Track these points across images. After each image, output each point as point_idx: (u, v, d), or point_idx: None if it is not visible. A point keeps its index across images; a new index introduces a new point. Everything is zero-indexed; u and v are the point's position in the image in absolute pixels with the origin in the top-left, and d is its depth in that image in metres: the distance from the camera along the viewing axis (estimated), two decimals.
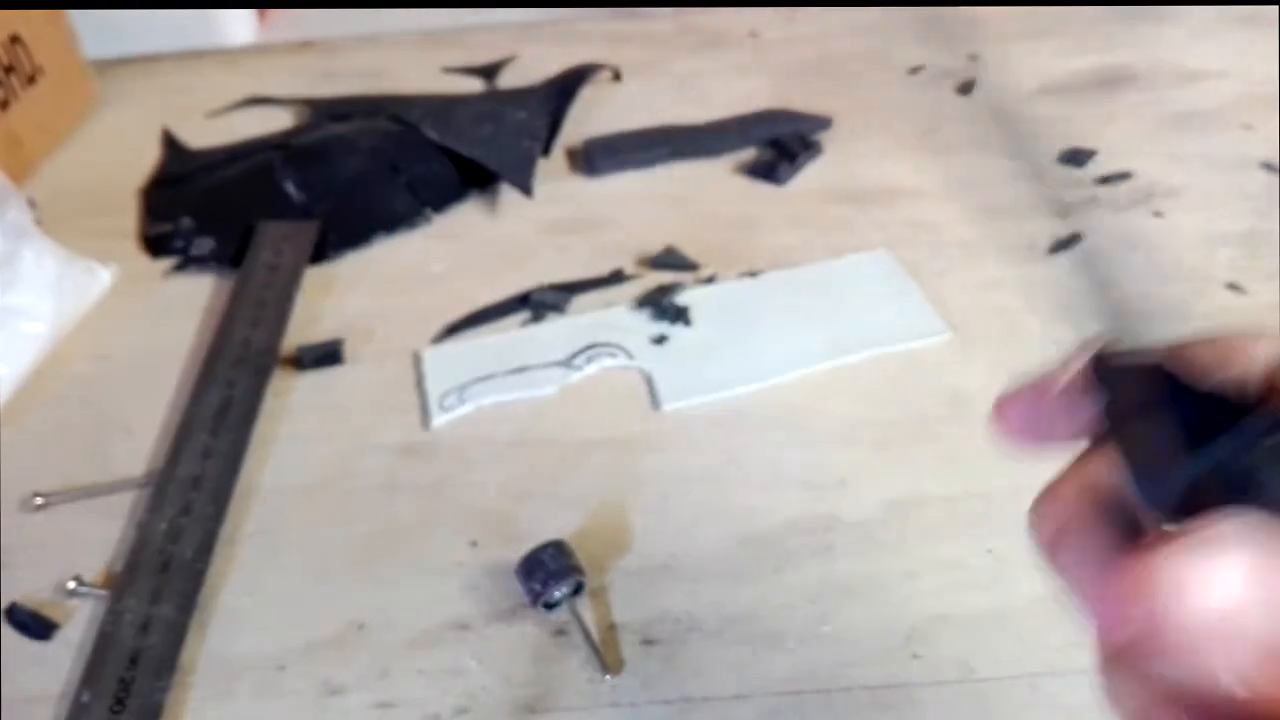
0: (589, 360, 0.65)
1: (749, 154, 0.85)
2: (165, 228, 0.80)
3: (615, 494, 0.57)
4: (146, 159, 0.90)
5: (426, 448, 0.61)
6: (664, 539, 0.54)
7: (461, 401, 0.63)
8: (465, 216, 0.81)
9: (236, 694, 0.49)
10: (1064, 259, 0.71)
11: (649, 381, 0.64)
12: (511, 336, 0.68)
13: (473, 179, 0.83)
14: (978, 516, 0.54)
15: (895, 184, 0.80)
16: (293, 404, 0.64)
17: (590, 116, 0.92)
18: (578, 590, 0.51)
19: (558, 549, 0.51)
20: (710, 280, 0.72)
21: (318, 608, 0.52)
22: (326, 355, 0.67)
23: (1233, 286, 0.67)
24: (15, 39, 0.88)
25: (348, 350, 0.68)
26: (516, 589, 0.51)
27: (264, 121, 0.94)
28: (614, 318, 0.69)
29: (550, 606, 0.50)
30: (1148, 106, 0.88)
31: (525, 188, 0.81)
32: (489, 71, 1.01)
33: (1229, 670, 0.19)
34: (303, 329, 0.70)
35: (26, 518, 0.58)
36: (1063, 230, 0.73)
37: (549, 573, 0.50)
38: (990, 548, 0.52)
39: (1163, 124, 0.85)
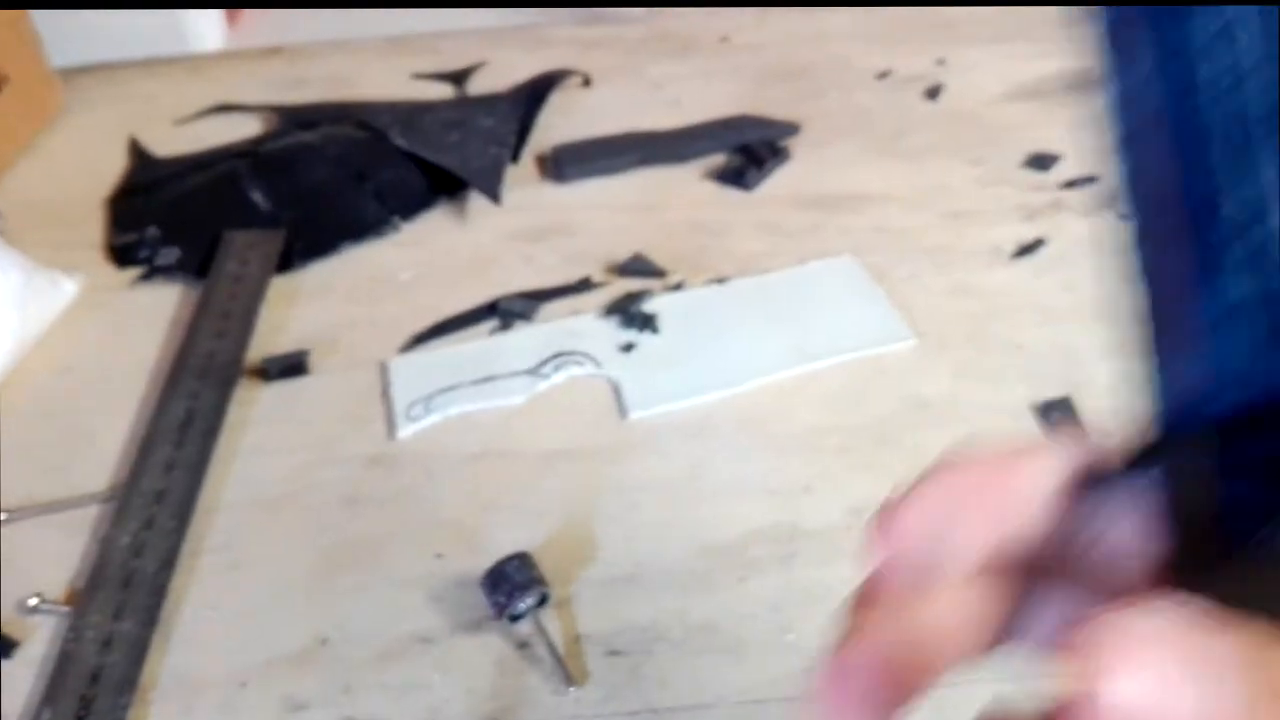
0: (556, 369, 0.65)
1: (718, 160, 0.85)
2: (131, 237, 0.79)
3: (581, 504, 0.57)
4: (113, 168, 0.89)
5: (392, 459, 0.60)
6: (629, 549, 0.54)
7: (428, 411, 0.63)
8: (433, 224, 0.81)
9: (198, 711, 0.49)
10: (1029, 263, 0.71)
11: (616, 390, 0.64)
12: (479, 345, 0.68)
13: (441, 186, 0.83)
14: None
15: (862, 190, 0.80)
16: (257, 415, 0.64)
17: (559, 123, 0.91)
18: (542, 602, 0.51)
19: (522, 561, 0.51)
20: (678, 287, 0.72)
21: (280, 623, 0.52)
22: (292, 366, 0.67)
23: None
24: None
25: (313, 360, 0.67)
26: (481, 601, 0.51)
27: (232, 129, 0.94)
28: (582, 325, 0.69)
29: (515, 619, 0.50)
30: None
31: (494, 195, 0.81)
32: (458, 78, 1.00)
33: None
34: (268, 339, 0.70)
35: None
36: (1028, 235, 0.73)
37: (514, 585, 0.50)
38: None
39: None
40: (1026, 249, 0.72)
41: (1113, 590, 0.22)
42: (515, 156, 0.87)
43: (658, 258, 0.74)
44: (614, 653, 0.50)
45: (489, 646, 0.50)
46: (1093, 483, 0.23)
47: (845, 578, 0.51)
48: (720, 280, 0.72)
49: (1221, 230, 0.25)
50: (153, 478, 0.58)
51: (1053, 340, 0.64)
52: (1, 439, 0.64)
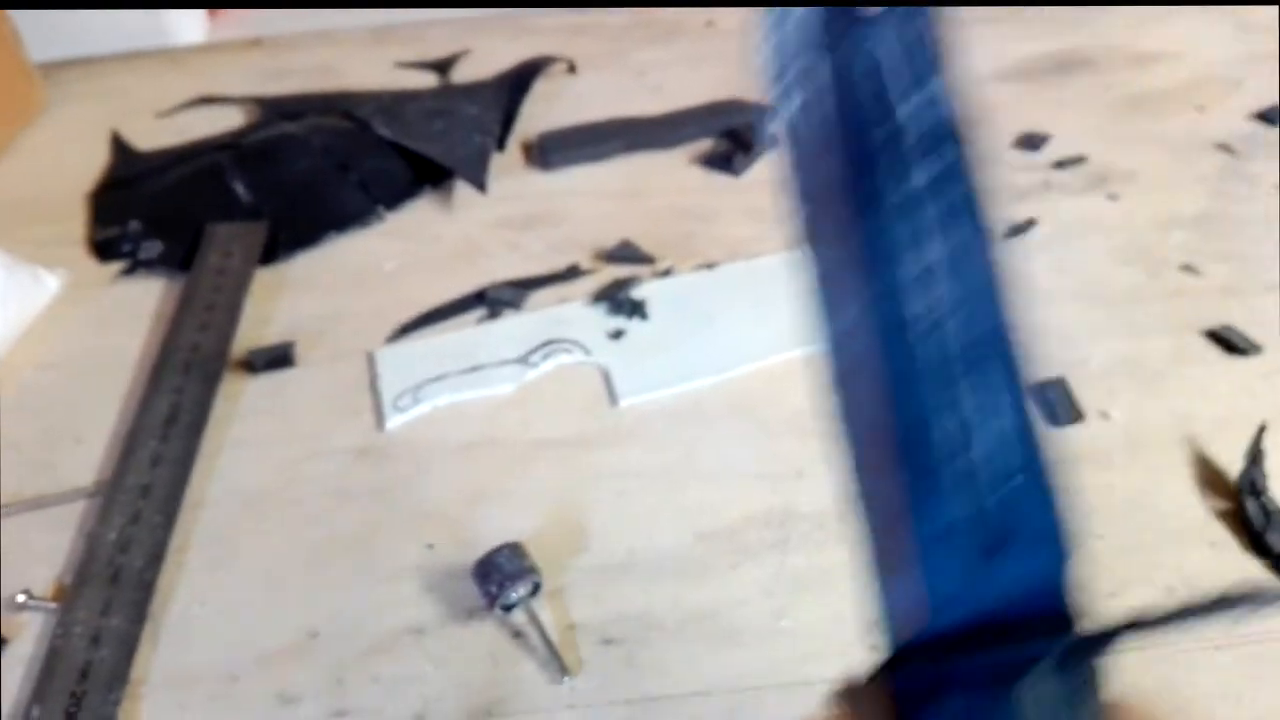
0: (545, 357, 0.65)
1: (705, 145, 0.85)
2: (113, 232, 0.79)
3: (572, 492, 0.57)
4: (95, 162, 0.88)
5: (380, 450, 0.60)
6: (621, 537, 0.54)
7: (416, 402, 0.62)
8: (418, 214, 0.80)
9: (190, 706, 0.48)
10: (1018, 244, 0.71)
11: (606, 377, 0.63)
12: (467, 335, 0.68)
13: (425, 175, 0.82)
14: None
15: None
16: (244, 408, 0.63)
17: (545, 110, 0.91)
18: (535, 591, 0.50)
19: (514, 550, 0.51)
20: (667, 273, 0.71)
21: (271, 616, 0.51)
22: (277, 358, 0.66)
23: (1187, 268, 0.67)
24: None
25: (299, 352, 0.67)
26: (473, 592, 0.51)
27: (214, 121, 0.93)
28: (570, 313, 0.68)
29: (507, 609, 0.50)
30: (1101, 90, 0.88)
31: (479, 183, 0.80)
32: (442, 66, 1.00)
33: None
34: (253, 331, 0.69)
35: None
36: (1017, 215, 0.73)
37: (505, 575, 0.50)
38: None
39: (1116, 107, 0.85)
40: (1017, 230, 0.72)
41: None
42: (500, 145, 0.86)
43: (646, 244, 0.73)
44: (608, 641, 0.49)
45: (482, 637, 0.50)
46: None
47: (839, 562, 0.51)
48: (709, 266, 0.71)
49: (931, 456, 0.28)
50: (138, 473, 0.58)
51: (1044, 321, 0.64)
52: None
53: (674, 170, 0.82)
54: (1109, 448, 0.56)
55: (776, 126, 0.29)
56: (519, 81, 0.93)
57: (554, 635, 0.49)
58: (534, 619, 0.50)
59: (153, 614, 0.52)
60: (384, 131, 0.84)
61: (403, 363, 0.65)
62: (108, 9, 1.05)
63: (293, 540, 0.55)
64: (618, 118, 0.87)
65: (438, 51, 1.02)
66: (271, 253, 0.75)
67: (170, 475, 0.57)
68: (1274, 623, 0.47)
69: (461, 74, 0.98)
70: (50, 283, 0.73)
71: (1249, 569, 0.50)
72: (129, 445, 0.59)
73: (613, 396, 0.62)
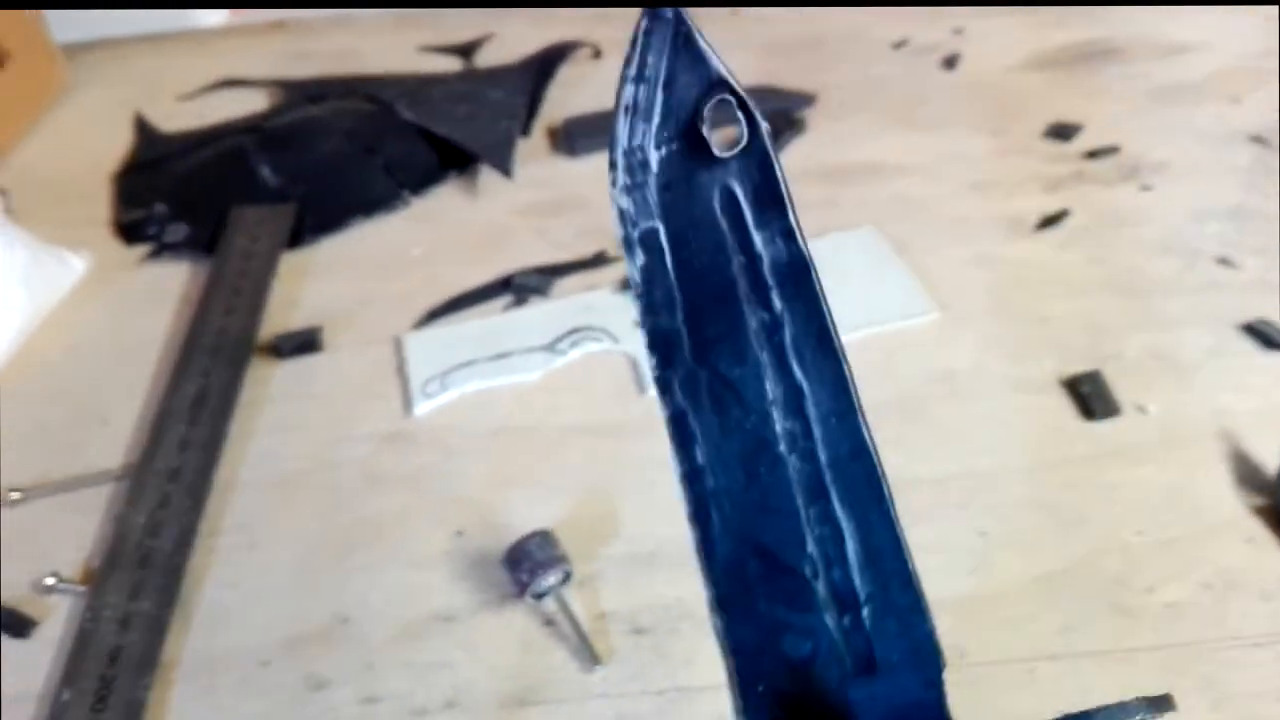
0: (573, 344, 0.64)
1: (731, 132, 0.84)
2: (139, 214, 0.78)
3: (601, 480, 0.56)
4: (118, 144, 0.88)
5: (409, 436, 0.60)
6: (652, 526, 0.53)
7: (444, 388, 0.62)
8: (444, 199, 0.80)
9: (219, 690, 0.48)
10: (1052, 234, 0.70)
11: (634, 365, 0.63)
12: (494, 321, 0.67)
13: (451, 160, 0.82)
14: (968, 498, 0.53)
15: (880, 160, 0.79)
16: (271, 393, 0.63)
17: (570, 95, 0.90)
18: (565, 579, 0.50)
19: (544, 538, 0.50)
20: None
21: (300, 601, 0.51)
22: (305, 343, 0.66)
23: (1223, 261, 0.67)
24: None
25: (326, 337, 0.67)
26: (503, 579, 0.50)
27: (237, 104, 0.93)
28: (597, 300, 0.68)
29: (538, 596, 0.50)
30: (1133, 80, 0.87)
31: (505, 169, 0.80)
32: (466, 50, 0.99)
33: None
34: (280, 316, 0.69)
35: (3, 513, 0.57)
36: (1050, 205, 0.72)
37: (536, 562, 0.49)
38: (982, 530, 0.52)
39: (1149, 97, 0.84)
40: (1050, 220, 0.71)
41: None
42: (526, 130, 0.86)
43: None
44: (638, 630, 0.49)
45: (512, 625, 0.49)
46: None
47: None
48: None
49: (794, 581, 0.29)
50: (167, 456, 0.57)
51: (1079, 313, 0.63)
52: (12, 417, 0.63)
53: None
54: (1145, 441, 0.55)
55: (628, 279, 0.30)
56: (544, 67, 0.93)
57: (584, 624, 0.49)
58: (565, 607, 0.49)
59: (182, 598, 0.52)
60: (409, 116, 0.83)
61: (430, 348, 0.65)
62: (131, 8, 1.05)
63: (322, 525, 0.55)
64: None
65: (461, 36, 1.01)
66: (297, 236, 0.75)
67: (199, 459, 0.57)
68: None
69: (485, 59, 0.98)
70: (76, 265, 0.73)
71: None
72: (157, 428, 0.59)
73: (640, 385, 0.62)
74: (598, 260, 0.71)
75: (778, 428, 0.29)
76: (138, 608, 0.50)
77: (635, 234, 0.29)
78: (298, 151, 0.81)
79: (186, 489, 0.56)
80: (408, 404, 0.61)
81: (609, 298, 0.68)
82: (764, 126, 0.28)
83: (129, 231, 0.77)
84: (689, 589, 0.50)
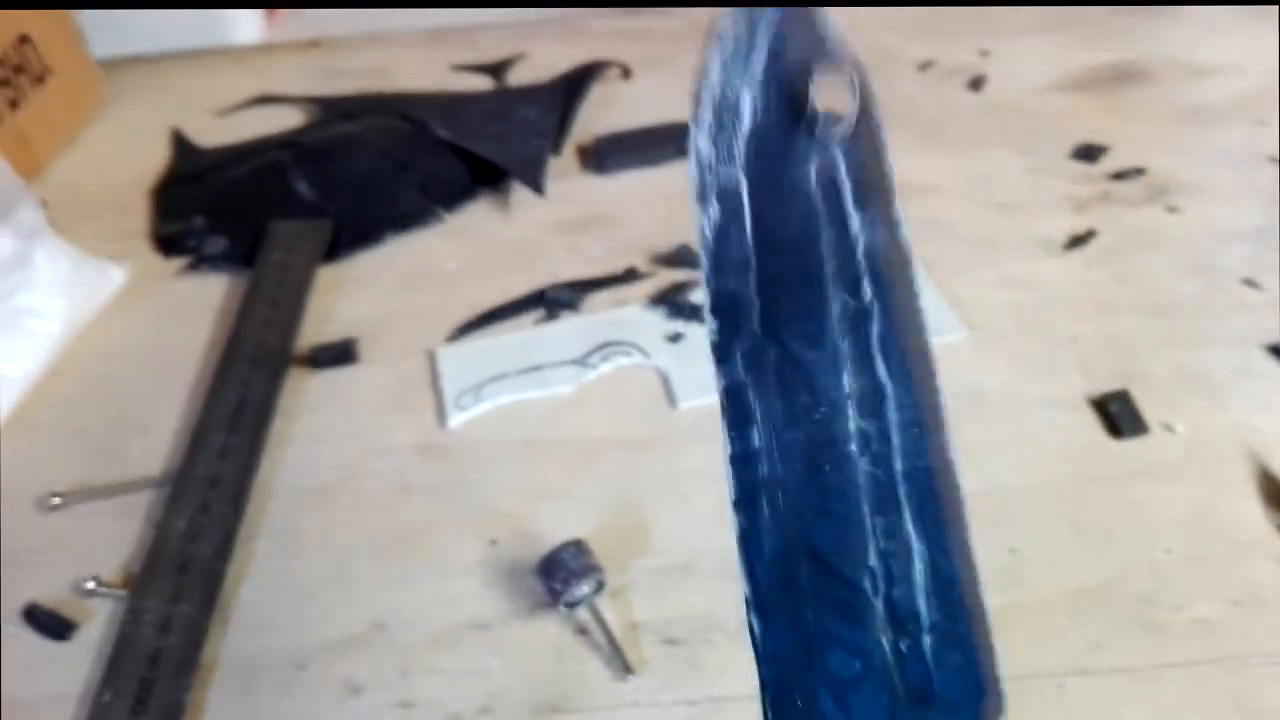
0: (604, 359, 0.65)
1: None
2: (177, 227, 0.80)
3: (633, 493, 0.57)
4: (156, 158, 0.90)
5: (443, 447, 0.61)
6: (684, 538, 0.54)
7: (478, 400, 0.63)
8: (477, 215, 0.81)
9: (257, 693, 0.49)
10: (1080, 255, 0.71)
11: (664, 380, 0.64)
12: (526, 335, 0.68)
13: (483, 177, 0.83)
14: (998, 515, 0.54)
15: (907, 180, 0.79)
16: (308, 403, 0.64)
17: (600, 114, 0.91)
18: (599, 589, 0.51)
19: (578, 548, 0.51)
20: None
21: (337, 607, 0.52)
22: (340, 354, 0.67)
23: (1249, 282, 0.67)
24: (24, 39, 0.88)
25: (361, 349, 0.68)
26: (536, 588, 0.51)
27: (272, 120, 0.94)
28: (628, 316, 0.69)
29: (571, 606, 0.50)
30: (1159, 102, 0.87)
31: (537, 186, 0.81)
32: (497, 69, 1.00)
33: None
34: (316, 328, 0.70)
35: (43, 518, 0.58)
36: (1078, 226, 0.73)
37: (570, 572, 0.50)
38: (1012, 547, 0.52)
39: (1175, 119, 0.85)
40: (1077, 240, 0.72)
41: None
42: (557, 148, 0.87)
43: None
44: (670, 641, 0.49)
45: (545, 633, 0.50)
46: None
47: None
48: None
49: (848, 593, 0.26)
50: (207, 463, 0.58)
51: (1106, 333, 0.64)
52: (54, 425, 0.64)
53: None
54: (1173, 460, 0.56)
55: (696, 235, 0.27)
56: (574, 86, 0.94)
57: (617, 633, 0.49)
58: (598, 617, 0.50)
59: (221, 602, 0.52)
60: (442, 133, 0.84)
61: (464, 362, 0.66)
62: (167, 9, 1.07)
63: (358, 533, 0.56)
64: (672, 121, 0.88)
65: (492, 55, 1.03)
66: (333, 251, 0.76)
67: (238, 467, 0.58)
68: None
69: (516, 77, 0.99)
70: (116, 275, 0.74)
71: None
72: (197, 436, 0.60)
73: (671, 399, 0.63)
74: (628, 276, 0.72)
75: (850, 425, 0.26)
76: (177, 611, 0.51)
77: (713, 182, 0.26)
78: (333, 167, 0.82)
79: (227, 496, 0.57)
80: (441, 416, 0.62)
81: (639, 313, 0.69)
82: (877, 108, 0.26)
83: (167, 244, 0.79)
84: (721, 601, 0.51)
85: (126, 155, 0.90)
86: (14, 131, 0.85)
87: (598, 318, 0.69)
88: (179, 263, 0.77)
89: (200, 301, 0.73)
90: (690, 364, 0.64)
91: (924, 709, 0.26)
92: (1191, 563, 0.51)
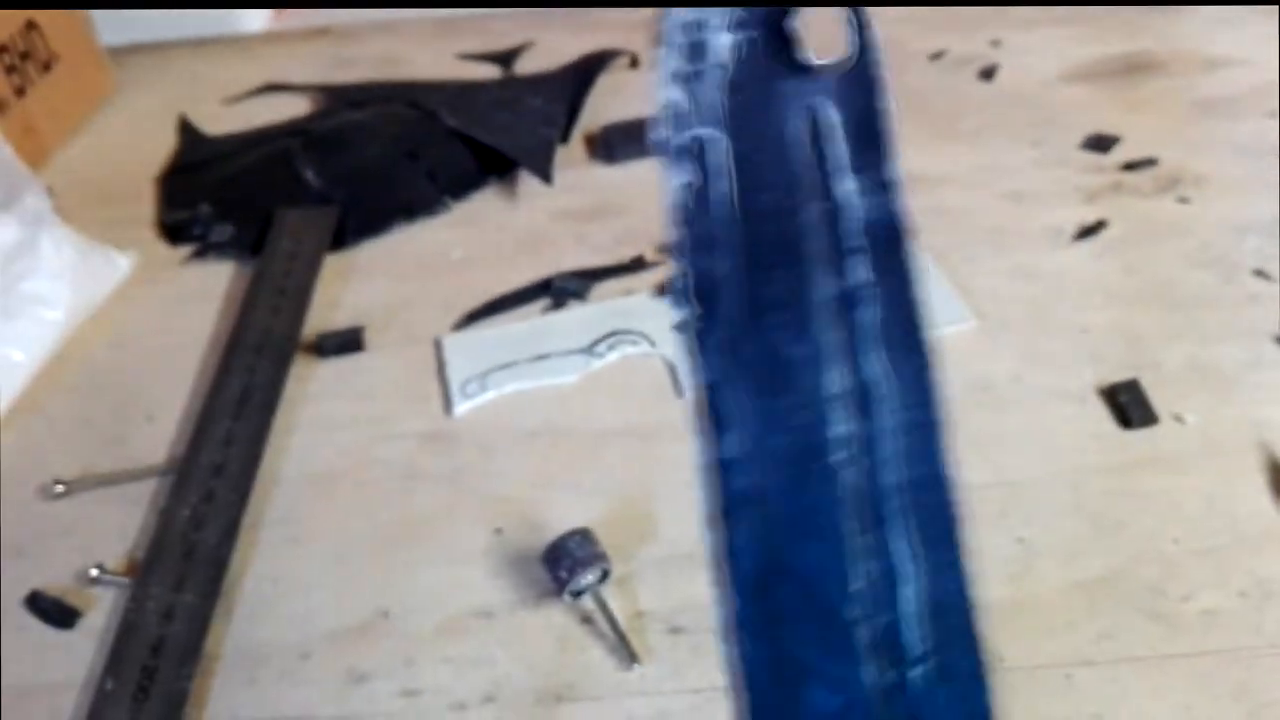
0: (610, 348, 0.65)
1: None
2: (184, 215, 0.80)
3: (639, 482, 0.57)
4: (163, 146, 0.89)
5: (449, 435, 0.60)
6: (689, 527, 0.54)
7: (484, 389, 0.63)
8: (484, 204, 0.80)
9: (261, 681, 0.49)
10: (1090, 245, 0.70)
11: (671, 369, 0.63)
12: (532, 324, 0.68)
13: (491, 166, 0.83)
14: (1007, 505, 0.53)
15: (918, 171, 0.79)
16: (314, 391, 0.64)
17: (608, 103, 0.91)
18: (604, 578, 0.50)
19: (584, 537, 0.51)
20: None
21: (342, 595, 0.52)
22: (347, 342, 0.67)
23: (1260, 273, 0.67)
24: (31, 25, 0.88)
25: (368, 337, 0.67)
26: (541, 577, 0.51)
27: (280, 108, 0.94)
28: (635, 305, 0.68)
29: (576, 594, 0.50)
30: (1171, 93, 0.87)
31: (545, 175, 0.81)
32: (506, 58, 1.00)
33: None
34: (323, 316, 0.70)
35: (48, 505, 0.58)
36: (1088, 216, 0.72)
37: (575, 560, 0.50)
38: (1021, 537, 0.52)
39: (1187, 111, 0.84)
40: (1087, 231, 0.71)
41: None
42: (565, 137, 0.86)
43: None
44: (675, 630, 0.49)
45: (550, 622, 0.50)
46: None
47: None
48: None
49: (838, 615, 0.23)
50: (211, 451, 0.58)
51: (1116, 323, 0.63)
52: (59, 412, 0.64)
53: None
54: (1183, 451, 0.55)
55: (665, 204, 0.22)
56: (583, 75, 0.93)
57: (622, 622, 0.49)
58: (603, 605, 0.50)
59: (225, 590, 0.52)
60: (450, 122, 0.84)
61: (470, 350, 0.66)
62: (176, 8, 1.06)
63: (363, 521, 0.56)
64: None
65: (501, 44, 1.02)
66: (340, 238, 0.76)
67: (243, 454, 0.58)
68: None
69: (525, 66, 0.99)
70: (122, 263, 0.74)
71: None
72: (202, 424, 0.60)
73: (678, 388, 0.62)
74: (635, 265, 0.72)
75: (838, 430, 0.23)
76: (181, 599, 0.51)
77: (683, 139, 0.22)
78: (341, 155, 0.82)
79: (231, 483, 0.57)
80: (448, 404, 0.62)
81: (646, 302, 0.68)
82: (877, 41, 0.20)
83: (174, 232, 0.79)
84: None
85: (133, 143, 0.90)
86: (20, 119, 0.85)
87: (605, 306, 0.69)
88: (185, 250, 0.77)
89: (206, 289, 0.73)
90: None
91: None
92: (1200, 554, 0.50)
